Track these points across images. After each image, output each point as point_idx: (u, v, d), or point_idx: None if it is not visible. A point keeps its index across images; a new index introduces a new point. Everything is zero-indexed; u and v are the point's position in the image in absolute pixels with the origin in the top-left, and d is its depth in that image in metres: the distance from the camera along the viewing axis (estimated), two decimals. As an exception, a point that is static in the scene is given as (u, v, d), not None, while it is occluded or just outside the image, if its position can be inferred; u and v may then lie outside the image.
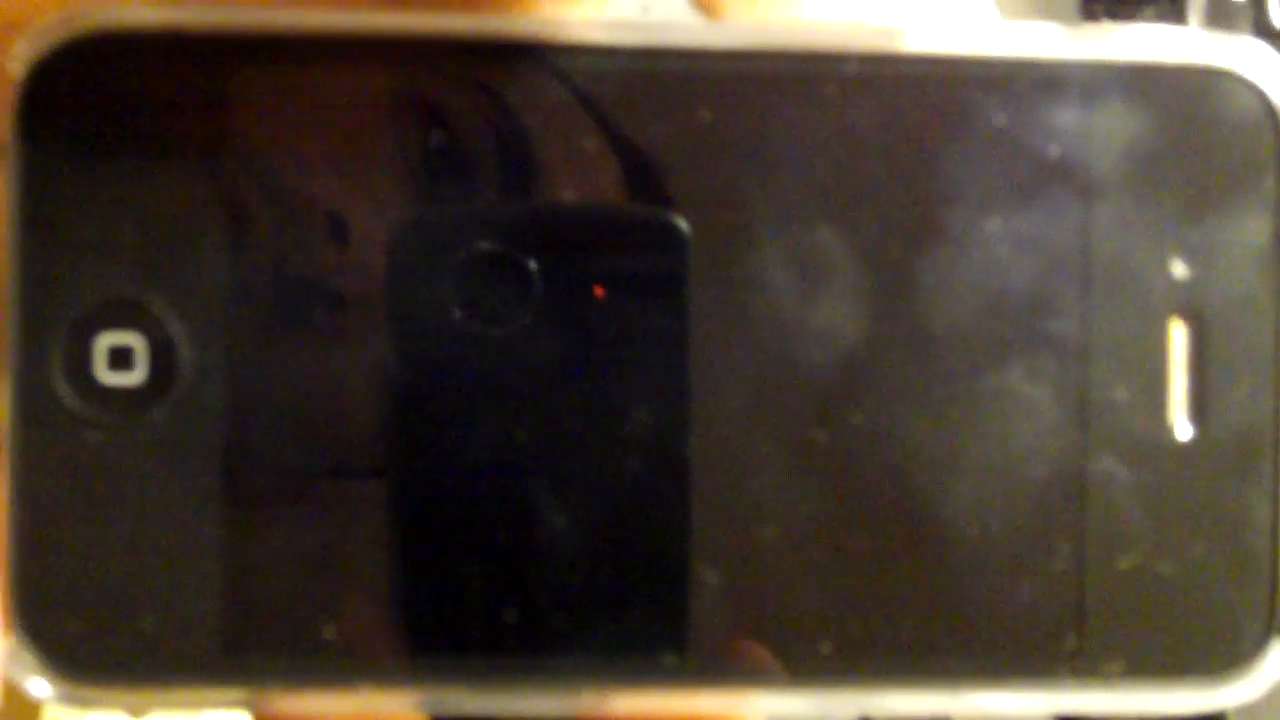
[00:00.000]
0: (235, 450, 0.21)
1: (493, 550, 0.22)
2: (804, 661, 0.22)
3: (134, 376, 0.21)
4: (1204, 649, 0.22)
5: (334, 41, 0.21)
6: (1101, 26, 0.22)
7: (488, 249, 0.22)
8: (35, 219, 0.21)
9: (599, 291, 0.22)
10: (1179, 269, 0.22)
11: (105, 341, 0.21)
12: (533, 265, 0.22)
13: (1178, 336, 0.22)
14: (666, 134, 0.22)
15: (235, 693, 0.21)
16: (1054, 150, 0.22)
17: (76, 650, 0.21)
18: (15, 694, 0.21)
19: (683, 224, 0.22)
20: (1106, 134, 0.22)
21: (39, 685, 0.21)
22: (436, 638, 0.22)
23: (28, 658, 0.21)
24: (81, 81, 0.21)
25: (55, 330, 0.21)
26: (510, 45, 0.21)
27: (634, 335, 0.22)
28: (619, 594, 0.22)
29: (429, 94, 0.22)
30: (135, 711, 0.22)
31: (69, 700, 0.21)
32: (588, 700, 0.22)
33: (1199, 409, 0.22)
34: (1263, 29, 0.45)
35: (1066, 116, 0.22)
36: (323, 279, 0.22)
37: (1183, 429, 0.22)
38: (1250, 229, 0.22)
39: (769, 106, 0.22)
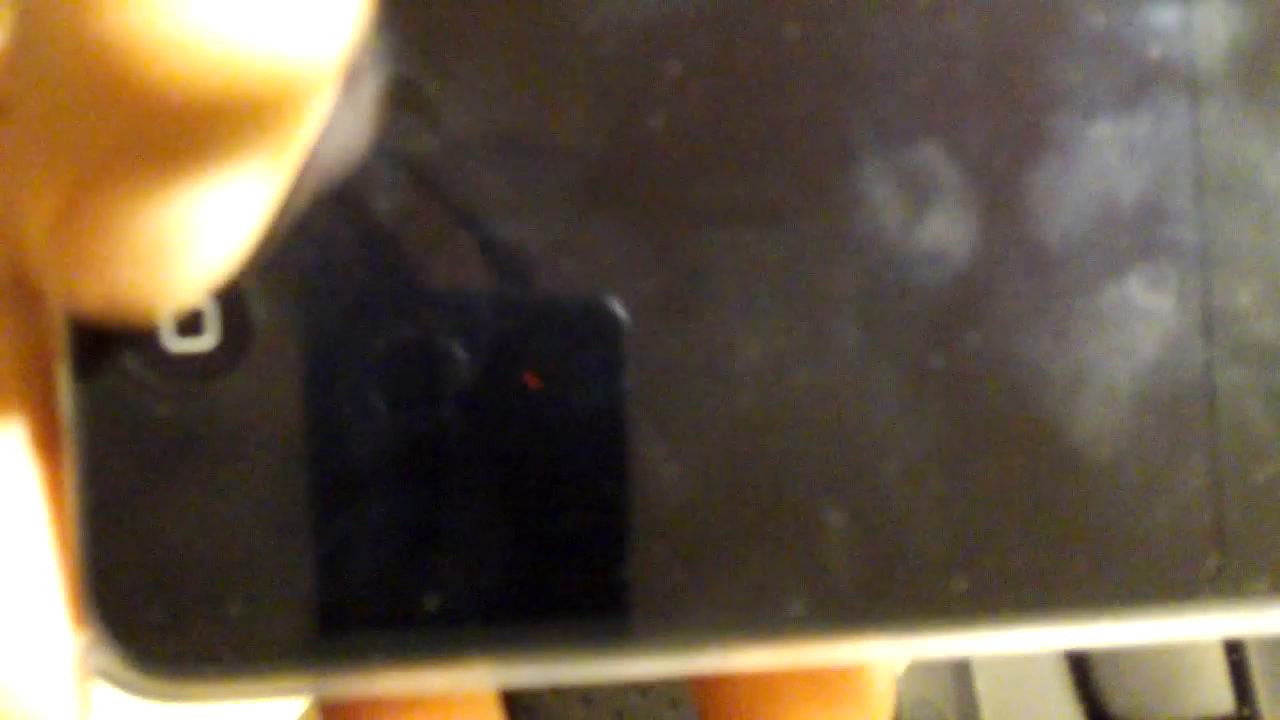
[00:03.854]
0: (316, 415, 0.20)
1: (603, 506, 0.20)
2: (939, 600, 0.21)
3: (205, 341, 0.20)
4: None
5: None
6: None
7: (410, 335, 0.20)
8: None
9: (531, 381, 0.20)
10: None
11: None
12: (460, 353, 0.20)
13: None
14: (753, 46, 0.21)
15: (334, 676, 0.20)
16: (1156, 50, 0.21)
17: (159, 642, 0.20)
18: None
19: (619, 310, 0.20)
20: (1208, 30, 0.21)
21: (124, 681, 0.19)
22: (547, 602, 0.20)
23: (110, 652, 0.19)
24: None
25: None
26: None
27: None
28: (739, 544, 0.20)
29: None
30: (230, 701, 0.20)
31: (155, 695, 0.20)
32: (711, 658, 0.20)
33: None
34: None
35: (1166, 14, 0.21)
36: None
37: None
38: None
39: (860, 17, 0.21)
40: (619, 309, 0.20)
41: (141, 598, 0.20)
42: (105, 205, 0.15)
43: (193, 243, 0.16)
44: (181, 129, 0.15)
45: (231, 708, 0.21)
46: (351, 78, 0.19)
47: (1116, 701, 0.55)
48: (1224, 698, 0.56)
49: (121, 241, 0.16)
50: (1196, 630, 0.21)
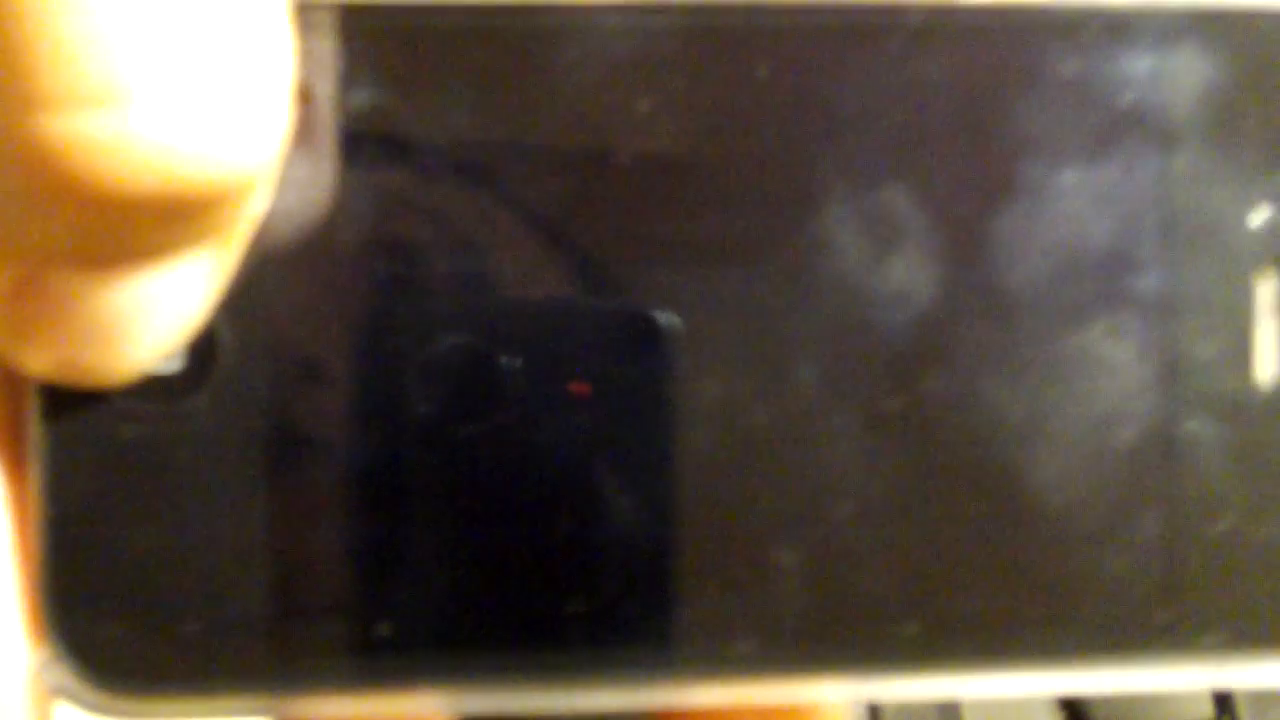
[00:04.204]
0: (278, 440, 0.20)
1: (558, 543, 0.20)
2: (889, 644, 0.21)
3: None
4: None
5: None
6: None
7: (459, 344, 0.20)
8: None
9: (579, 389, 0.20)
10: (1262, 218, 0.21)
11: None
12: (507, 362, 0.20)
13: (1264, 288, 0.21)
14: (725, 91, 0.21)
15: (288, 698, 0.20)
16: (1127, 99, 0.21)
17: (117, 659, 0.20)
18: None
19: (664, 319, 0.21)
20: (1180, 81, 0.21)
21: (78, 697, 0.20)
22: (500, 632, 0.20)
23: (64, 668, 0.20)
24: None
25: None
26: None
27: (614, 435, 0.21)
28: (693, 582, 0.21)
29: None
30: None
31: (112, 712, 0.20)
32: (661, 693, 0.21)
33: None
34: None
35: (1139, 64, 0.21)
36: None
37: (1274, 384, 0.21)
38: None
39: (831, 62, 0.21)
40: (585, 336, 0.20)
41: (99, 615, 0.20)
42: (51, 291, 0.16)
43: (139, 323, 0.17)
44: (120, 228, 0.15)
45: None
46: (313, 118, 0.19)
47: (1098, 708, 0.55)
48: (1204, 706, 0.56)
49: (68, 323, 0.16)
50: (1147, 682, 0.21)
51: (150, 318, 0.17)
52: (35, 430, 0.19)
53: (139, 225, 0.15)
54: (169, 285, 0.17)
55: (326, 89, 0.20)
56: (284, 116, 0.16)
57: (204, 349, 0.20)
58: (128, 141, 0.14)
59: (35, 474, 0.20)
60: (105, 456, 0.20)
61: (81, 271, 0.16)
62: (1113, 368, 0.21)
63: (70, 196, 0.15)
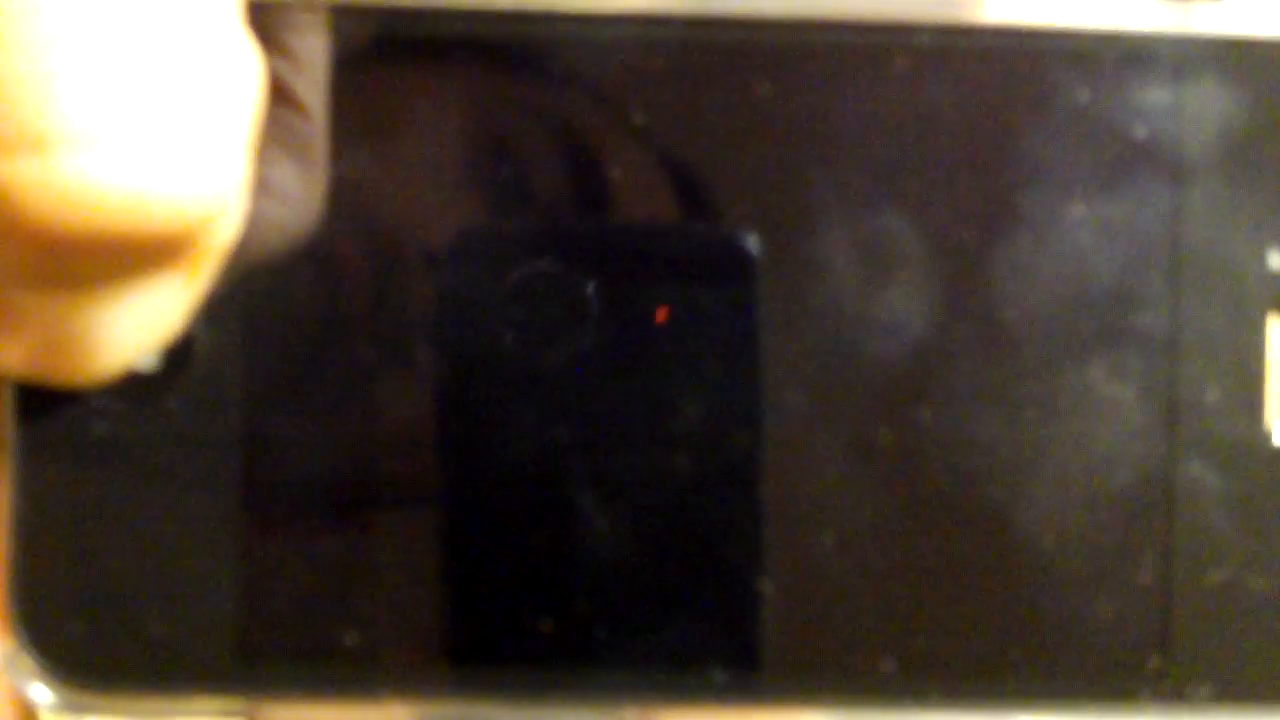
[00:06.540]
0: (252, 443, 0.20)
1: (532, 557, 0.20)
2: (865, 679, 0.20)
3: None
4: None
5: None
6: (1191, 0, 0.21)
7: (542, 270, 0.20)
8: None
9: (661, 315, 0.20)
10: (1276, 259, 0.20)
11: None
12: (590, 287, 0.20)
13: (1275, 332, 0.20)
14: (723, 111, 0.20)
15: (248, 702, 0.20)
16: (1141, 131, 0.20)
17: (80, 656, 0.20)
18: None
19: (750, 243, 0.20)
20: (1197, 114, 0.20)
21: (40, 692, 0.20)
22: (467, 646, 0.20)
23: (28, 662, 0.20)
24: None
25: None
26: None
27: (697, 360, 0.20)
28: (668, 605, 0.20)
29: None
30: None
31: (71, 708, 0.20)
32: (631, 718, 0.20)
33: None
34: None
35: (1154, 95, 0.20)
36: (354, 274, 0.20)
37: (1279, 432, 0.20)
38: None
39: (835, 81, 0.20)
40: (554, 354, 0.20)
41: (63, 611, 0.20)
42: (14, 305, 0.16)
43: (105, 335, 0.17)
44: (66, 259, 0.16)
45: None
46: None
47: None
48: None
49: (33, 334, 0.17)
50: (1133, 731, 0.20)
51: (116, 331, 0.17)
52: (9, 425, 0.19)
53: (85, 257, 0.16)
54: (134, 303, 0.17)
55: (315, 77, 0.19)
56: (237, 153, 0.16)
57: (180, 350, 0.20)
58: (55, 185, 0.15)
59: (7, 469, 0.19)
60: (77, 453, 0.20)
61: (40, 292, 0.16)
62: (1116, 408, 0.20)
63: (23, 232, 0.15)
